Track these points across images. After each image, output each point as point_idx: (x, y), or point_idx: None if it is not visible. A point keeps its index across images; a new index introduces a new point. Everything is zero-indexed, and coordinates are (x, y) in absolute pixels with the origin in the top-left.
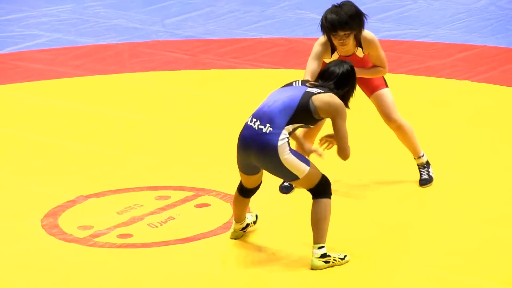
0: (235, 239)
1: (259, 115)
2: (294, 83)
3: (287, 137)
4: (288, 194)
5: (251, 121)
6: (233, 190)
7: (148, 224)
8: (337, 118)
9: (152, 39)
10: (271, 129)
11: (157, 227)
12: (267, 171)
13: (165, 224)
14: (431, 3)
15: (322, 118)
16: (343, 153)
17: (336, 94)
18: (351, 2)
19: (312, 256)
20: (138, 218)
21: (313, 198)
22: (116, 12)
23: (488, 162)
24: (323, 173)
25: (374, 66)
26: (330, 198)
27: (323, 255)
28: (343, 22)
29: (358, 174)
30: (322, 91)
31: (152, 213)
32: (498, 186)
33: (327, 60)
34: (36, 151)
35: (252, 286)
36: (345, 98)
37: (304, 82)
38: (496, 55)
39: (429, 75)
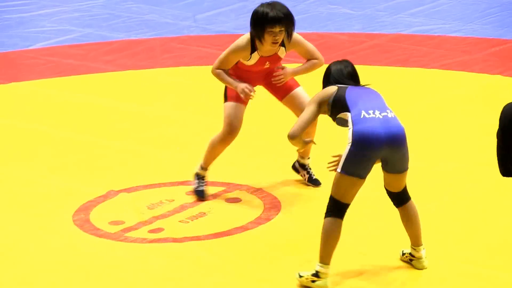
0: None
1: (372, 107)
2: (341, 86)
3: None
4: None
5: (368, 114)
6: (263, 184)
7: (180, 220)
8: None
9: (184, 34)
10: (393, 114)
11: (188, 222)
12: (392, 159)
13: (196, 219)
14: None
15: None
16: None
17: None
18: (279, 1)
19: (422, 258)
20: (169, 213)
21: (405, 201)
22: (148, 7)
23: None
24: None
25: (308, 60)
26: None
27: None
28: (283, 17)
29: None
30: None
31: (183, 208)
32: None
33: (244, 60)
34: (66, 147)
35: (285, 282)
36: None
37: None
38: None
39: (461, 70)
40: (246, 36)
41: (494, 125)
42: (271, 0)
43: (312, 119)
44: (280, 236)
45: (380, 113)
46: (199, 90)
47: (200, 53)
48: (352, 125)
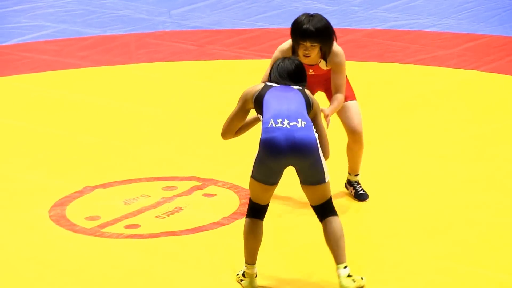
0: None
1: (284, 115)
2: (266, 85)
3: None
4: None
5: (276, 123)
6: (239, 180)
7: (156, 215)
8: (318, 115)
9: (159, 30)
10: (305, 122)
11: (164, 217)
12: (302, 170)
13: (172, 215)
14: None
15: None
16: (327, 153)
17: None
18: (321, 15)
19: (339, 276)
20: (145, 208)
21: (325, 216)
22: (122, 2)
23: (495, 152)
24: None
25: (334, 94)
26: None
27: (349, 275)
28: (314, 34)
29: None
30: (301, 87)
31: (159, 203)
32: (505, 176)
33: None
34: (42, 142)
35: (259, 277)
36: None
37: (270, 84)
38: (503, 45)
39: (436, 65)
40: (289, 41)
41: (469, 120)
42: (314, 13)
43: (238, 116)
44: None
45: (289, 123)
46: (174, 85)
47: (175, 49)
48: (261, 132)
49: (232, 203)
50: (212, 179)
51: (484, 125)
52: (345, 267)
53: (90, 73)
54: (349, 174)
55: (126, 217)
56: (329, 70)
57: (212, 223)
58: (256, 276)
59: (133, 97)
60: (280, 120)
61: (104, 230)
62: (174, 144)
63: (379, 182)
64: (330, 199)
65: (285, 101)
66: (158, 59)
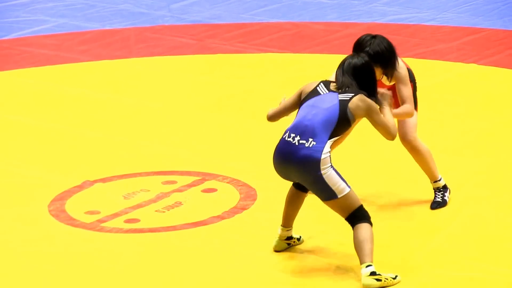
0: (278, 251)
1: (300, 130)
2: (319, 89)
3: (329, 152)
4: None
5: (289, 137)
6: (239, 174)
7: (155, 209)
8: (372, 115)
9: (159, 24)
10: (314, 143)
11: (164, 212)
12: (306, 186)
13: (172, 209)
14: None
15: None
16: (389, 136)
17: (363, 92)
18: (383, 37)
19: (362, 275)
20: (145, 203)
21: (353, 225)
22: None
23: (495, 146)
24: None
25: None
26: (371, 224)
27: (373, 273)
28: (373, 58)
29: (359, 165)
30: (352, 94)
31: (159, 198)
32: (505, 171)
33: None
34: (42, 137)
35: (261, 271)
36: (371, 92)
37: (327, 85)
38: (503, 38)
39: (436, 59)
40: None
41: (468, 114)
42: (376, 34)
43: (291, 105)
44: (255, 226)
45: (299, 140)
46: (173, 80)
47: (175, 43)
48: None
49: (232, 197)
50: (212, 174)
51: (483, 118)
52: (368, 266)
53: (89, 67)
54: (431, 182)
55: (125, 211)
56: (393, 85)
57: (212, 217)
58: (288, 239)
59: (132, 91)
60: (294, 135)
61: (104, 224)
62: (174, 138)
63: (377, 177)
64: (357, 209)
65: (313, 112)
66: (157, 53)
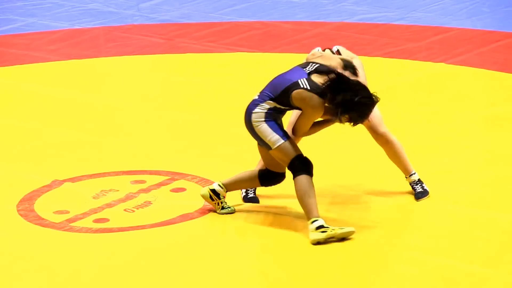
0: (202, 196)
1: (263, 88)
2: (310, 64)
3: (267, 109)
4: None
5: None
6: (209, 174)
7: (124, 209)
8: (304, 111)
9: (128, 23)
10: (256, 97)
11: (133, 211)
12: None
13: (141, 209)
14: None
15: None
16: (294, 132)
17: (321, 92)
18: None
19: (309, 231)
20: (114, 202)
21: (293, 178)
22: None
23: (464, 144)
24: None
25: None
26: (309, 175)
27: (319, 227)
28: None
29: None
30: (310, 87)
31: (128, 197)
32: (475, 168)
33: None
34: (11, 136)
35: (230, 270)
36: (341, 110)
37: (313, 67)
38: (471, 38)
39: (404, 58)
40: None
41: (436, 113)
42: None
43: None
44: (223, 225)
45: (256, 95)
46: (143, 79)
47: (144, 42)
48: None
49: (201, 197)
50: (181, 173)
51: (452, 117)
52: (314, 221)
53: (59, 66)
54: (405, 177)
55: (95, 211)
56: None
57: (180, 216)
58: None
59: (102, 90)
60: (258, 92)
61: (73, 224)
62: (143, 138)
63: (352, 174)
64: (293, 160)
65: (279, 77)
66: (127, 52)
